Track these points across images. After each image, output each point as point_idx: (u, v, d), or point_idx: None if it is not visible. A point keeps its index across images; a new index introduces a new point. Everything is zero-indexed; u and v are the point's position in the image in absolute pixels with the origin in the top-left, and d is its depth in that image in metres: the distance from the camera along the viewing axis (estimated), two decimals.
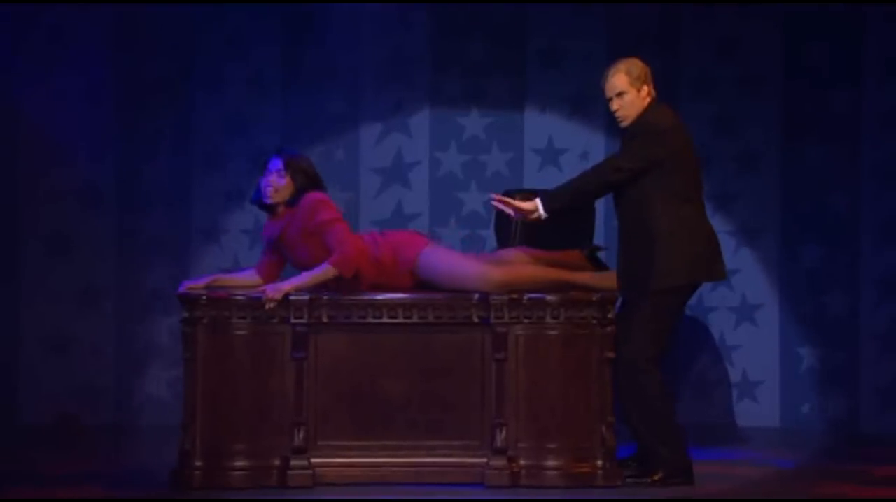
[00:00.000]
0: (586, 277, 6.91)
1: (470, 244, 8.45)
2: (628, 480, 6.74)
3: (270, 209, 6.92)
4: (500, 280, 6.75)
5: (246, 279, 7.00)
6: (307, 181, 6.87)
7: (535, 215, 6.79)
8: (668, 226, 6.68)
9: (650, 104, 6.84)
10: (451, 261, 6.87)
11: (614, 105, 6.84)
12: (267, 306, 6.67)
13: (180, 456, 6.69)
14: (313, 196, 6.85)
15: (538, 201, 6.78)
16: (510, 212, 6.84)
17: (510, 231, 7.56)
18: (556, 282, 6.84)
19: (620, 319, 6.75)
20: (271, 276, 6.99)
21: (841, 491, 6.69)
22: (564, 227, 7.46)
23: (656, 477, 6.72)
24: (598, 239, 7.88)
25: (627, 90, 6.80)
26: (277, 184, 6.86)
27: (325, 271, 6.73)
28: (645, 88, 6.83)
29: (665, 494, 6.60)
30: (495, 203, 6.87)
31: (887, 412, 8.20)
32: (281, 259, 7.00)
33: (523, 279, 6.80)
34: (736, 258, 8.40)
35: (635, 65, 6.84)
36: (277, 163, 6.87)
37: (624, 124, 6.86)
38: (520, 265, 6.88)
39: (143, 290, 8.38)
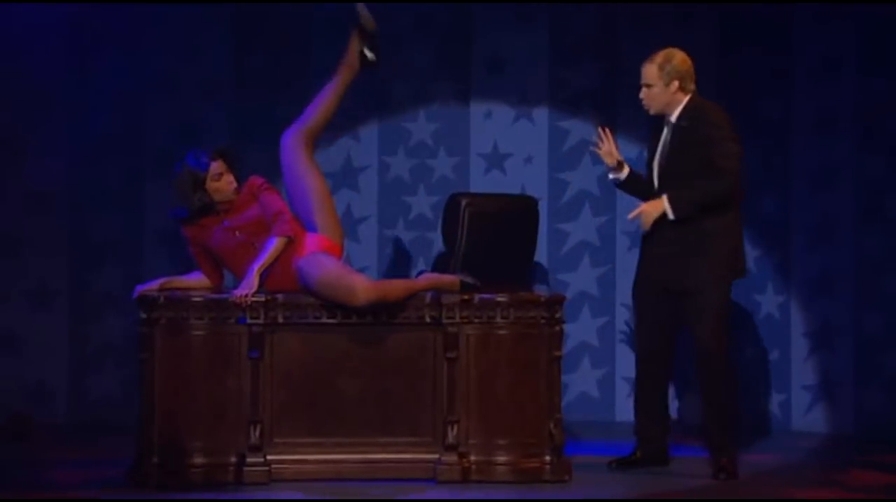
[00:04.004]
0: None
1: (418, 246, 8.57)
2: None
3: (194, 217, 6.97)
4: (368, 286, 6.76)
5: (196, 281, 7.09)
6: (238, 164, 7.03)
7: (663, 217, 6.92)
8: (723, 223, 6.96)
9: (692, 99, 7.01)
10: (326, 266, 6.85)
11: (644, 92, 7.04)
12: (244, 305, 6.75)
13: (138, 453, 6.76)
14: (252, 177, 7.03)
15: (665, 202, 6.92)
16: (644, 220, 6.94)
17: (457, 233, 7.71)
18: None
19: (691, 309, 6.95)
20: (219, 279, 7.10)
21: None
22: (511, 239, 7.68)
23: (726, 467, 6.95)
24: (541, 249, 8.11)
25: (655, 83, 7.01)
26: (233, 182, 6.98)
27: (276, 244, 6.84)
28: (675, 83, 7.00)
29: (624, 493, 6.74)
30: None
31: (815, 408, 8.36)
32: (216, 261, 7.07)
33: (393, 289, 6.86)
34: None
35: (671, 58, 7.01)
36: (220, 164, 6.94)
37: (651, 111, 7.06)
38: (390, 281, 7.07)
39: (95, 292, 8.41)
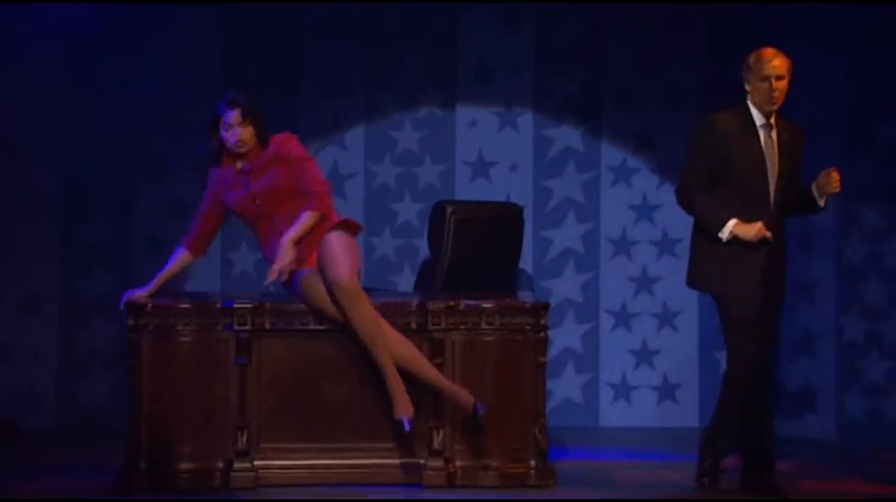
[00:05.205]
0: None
1: (404, 253, 8.64)
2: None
3: (219, 159, 6.88)
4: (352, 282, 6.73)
5: (180, 264, 6.97)
6: (263, 121, 6.87)
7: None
8: None
9: None
10: (342, 251, 6.81)
11: (779, 84, 6.59)
12: (281, 279, 6.73)
13: (126, 458, 6.80)
14: (284, 135, 6.90)
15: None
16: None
17: (443, 240, 7.76)
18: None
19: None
20: (201, 248, 6.97)
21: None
22: (496, 246, 7.72)
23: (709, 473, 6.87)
24: (526, 256, 8.14)
25: (787, 77, 6.63)
26: (243, 135, 6.82)
27: (309, 218, 6.77)
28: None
29: (611, 497, 6.76)
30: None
31: (797, 414, 8.42)
32: (217, 223, 6.97)
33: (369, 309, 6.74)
34: (658, 266, 8.67)
35: None
36: (234, 115, 6.80)
37: (773, 108, 6.64)
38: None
39: (85, 297, 8.45)
